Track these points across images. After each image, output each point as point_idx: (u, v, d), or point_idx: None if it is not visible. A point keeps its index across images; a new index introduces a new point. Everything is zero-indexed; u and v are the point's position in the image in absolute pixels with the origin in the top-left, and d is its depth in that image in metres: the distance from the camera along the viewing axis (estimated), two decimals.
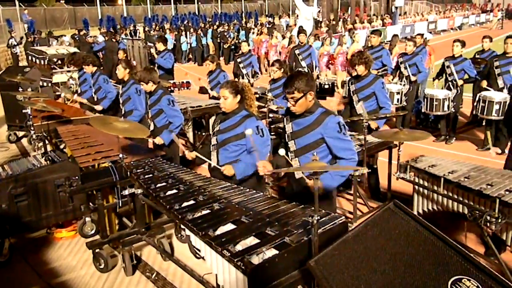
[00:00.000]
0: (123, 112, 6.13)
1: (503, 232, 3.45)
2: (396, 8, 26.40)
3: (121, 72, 6.04)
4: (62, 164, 4.70)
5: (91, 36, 17.50)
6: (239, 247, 2.42)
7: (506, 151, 4.45)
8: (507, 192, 3.35)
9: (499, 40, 11.01)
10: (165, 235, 4.38)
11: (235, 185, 3.43)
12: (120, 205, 4.20)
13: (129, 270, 4.08)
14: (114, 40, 14.78)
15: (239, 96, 3.80)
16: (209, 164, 4.05)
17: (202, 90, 8.31)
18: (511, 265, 3.77)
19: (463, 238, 4.17)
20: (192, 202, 3.12)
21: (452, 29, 30.88)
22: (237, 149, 3.81)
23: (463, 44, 7.43)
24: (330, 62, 11.90)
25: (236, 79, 8.80)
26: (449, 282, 1.75)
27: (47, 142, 5.85)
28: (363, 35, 18.01)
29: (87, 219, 4.73)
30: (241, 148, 3.81)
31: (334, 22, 21.92)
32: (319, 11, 22.76)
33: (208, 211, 2.95)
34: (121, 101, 6.17)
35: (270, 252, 2.35)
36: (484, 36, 8.32)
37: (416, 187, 4.17)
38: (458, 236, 4.38)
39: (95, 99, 7.17)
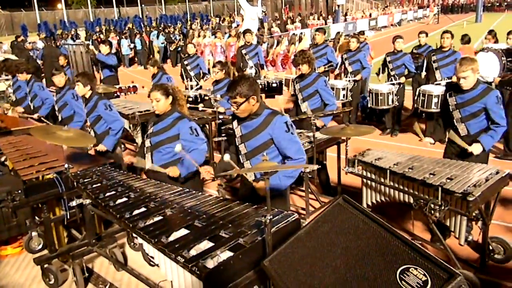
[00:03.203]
0: (60, 119, 5.98)
1: (446, 219, 3.61)
2: (338, 6, 27.06)
3: (64, 79, 5.92)
4: (3, 178, 4.46)
5: (29, 43, 16.78)
6: (193, 252, 2.40)
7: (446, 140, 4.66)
8: (448, 180, 3.51)
9: (436, 34, 11.54)
10: (117, 244, 4.26)
11: (187, 190, 3.40)
12: (68, 217, 4.07)
13: (81, 284, 3.93)
14: (54, 45, 14.23)
15: (170, 98, 3.92)
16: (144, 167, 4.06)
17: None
18: (456, 250, 3.97)
19: (410, 227, 4.34)
20: (143, 209, 3.06)
21: (392, 25, 32.03)
22: (170, 151, 3.86)
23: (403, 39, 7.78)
24: (284, 61, 12.03)
25: (185, 82, 8.75)
26: (398, 272, 1.82)
27: None
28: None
29: (34, 233, 4.51)
30: None
31: (279, 22, 22.15)
32: (263, 11, 22.95)
33: (160, 217, 2.90)
34: (56, 108, 6.01)
35: (225, 255, 2.34)
36: (420, 32, 8.70)
37: (364, 180, 4.29)
38: (406, 224, 4.56)
39: (32, 108, 6.93)
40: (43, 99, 6.80)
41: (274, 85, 8.43)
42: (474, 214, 3.49)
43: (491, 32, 9.28)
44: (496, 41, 8.85)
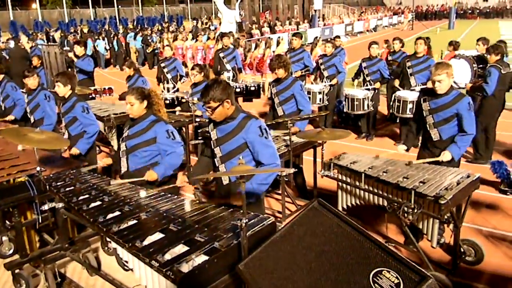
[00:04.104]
0: (32, 120, 5.87)
1: (419, 222, 3.68)
2: (315, 11, 27.28)
3: (37, 81, 5.83)
4: None
5: (3, 42, 16.40)
6: (168, 256, 2.38)
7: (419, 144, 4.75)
8: (421, 184, 3.58)
9: (410, 41, 11.76)
10: (90, 249, 4.20)
11: (163, 193, 3.37)
12: (40, 221, 3.99)
13: None
14: (22, 47, 13.85)
15: (145, 102, 3.89)
16: (119, 171, 4.02)
17: (122, 97, 8.10)
18: (428, 252, 4.03)
19: (384, 229, 4.40)
20: (117, 213, 3.02)
21: (368, 31, 32.46)
22: (146, 155, 3.86)
23: (378, 45, 7.91)
24: (259, 65, 12.02)
25: (162, 84, 8.69)
26: (371, 275, 1.84)
27: None
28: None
29: (4, 238, 4.41)
30: (151, 153, 3.88)
31: (256, 25, 22.20)
32: (241, 15, 22.98)
33: (134, 221, 2.87)
34: (28, 110, 5.91)
35: (200, 259, 2.33)
36: (394, 38, 8.85)
37: (340, 183, 4.33)
38: (380, 227, 4.62)
39: (3, 108, 6.80)
40: (15, 100, 6.68)
41: (253, 88, 8.44)
42: (446, 217, 3.56)
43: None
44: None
